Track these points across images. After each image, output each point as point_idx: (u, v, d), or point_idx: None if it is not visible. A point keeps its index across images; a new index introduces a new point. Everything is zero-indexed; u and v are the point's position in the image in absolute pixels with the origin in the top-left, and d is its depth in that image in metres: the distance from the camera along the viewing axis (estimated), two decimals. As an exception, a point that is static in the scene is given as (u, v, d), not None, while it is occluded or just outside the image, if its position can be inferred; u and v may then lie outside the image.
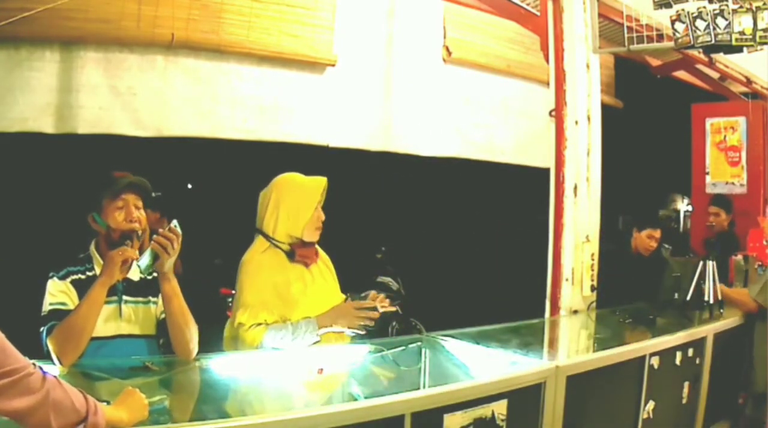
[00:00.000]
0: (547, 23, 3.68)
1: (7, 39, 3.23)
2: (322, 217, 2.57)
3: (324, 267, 2.66)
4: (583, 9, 3.65)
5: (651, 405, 2.78)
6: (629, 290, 3.97)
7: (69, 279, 2.17)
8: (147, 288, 2.30)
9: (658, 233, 4.29)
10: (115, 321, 2.21)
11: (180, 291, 2.21)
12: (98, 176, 2.29)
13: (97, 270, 2.20)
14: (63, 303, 2.13)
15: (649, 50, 4.26)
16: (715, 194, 5.40)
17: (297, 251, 2.54)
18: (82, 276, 2.20)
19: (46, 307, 2.12)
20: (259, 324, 2.45)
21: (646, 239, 4.26)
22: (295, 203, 2.52)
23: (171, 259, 2.15)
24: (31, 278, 2.29)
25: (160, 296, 2.26)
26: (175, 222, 2.17)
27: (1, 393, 1.34)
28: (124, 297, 2.24)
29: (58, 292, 2.15)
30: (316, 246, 2.64)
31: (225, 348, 2.58)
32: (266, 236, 2.55)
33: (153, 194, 2.31)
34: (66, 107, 3.43)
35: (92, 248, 2.26)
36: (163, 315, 2.27)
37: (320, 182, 2.56)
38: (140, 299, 2.28)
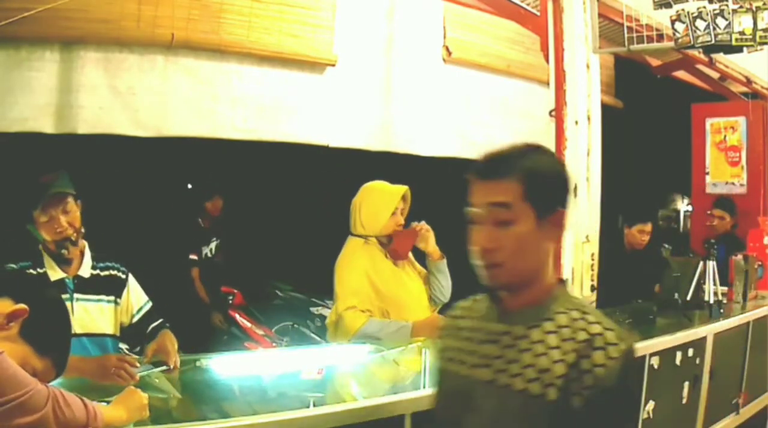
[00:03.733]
0: (547, 23, 3.68)
1: (7, 39, 3.22)
2: (400, 222, 2.84)
3: (411, 267, 2.92)
4: (583, 9, 3.64)
5: (651, 405, 2.78)
6: (627, 288, 3.98)
7: None
8: (98, 286, 2.32)
9: (648, 227, 4.30)
10: None
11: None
12: (26, 184, 2.28)
13: (47, 268, 2.23)
14: None
15: (649, 50, 4.26)
16: (719, 196, 5.38)
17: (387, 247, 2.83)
18: (33, 272, 2.21)
19: None
20: (367, 310, 2.64)
21: (637, 234, 4.28)
22: (373, 206, 2.80)
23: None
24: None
25: (122, 297, 2.33)
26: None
27: (10, 413, 1.35)
28: (76, 295, 2.25)
29: None
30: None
31: (329, 338, 2.79)
32: (356, 235, 2.81)
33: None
34: (66, 106, 3.42)
35: (41, 246, 2.27)
36: (134, 320, 2.33)
37: (399, 190, 2.84)
38: (92, 297, 2.29)
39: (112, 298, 2.33)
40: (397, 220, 2.83)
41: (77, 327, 2.21)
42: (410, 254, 2.97)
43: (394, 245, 2.83)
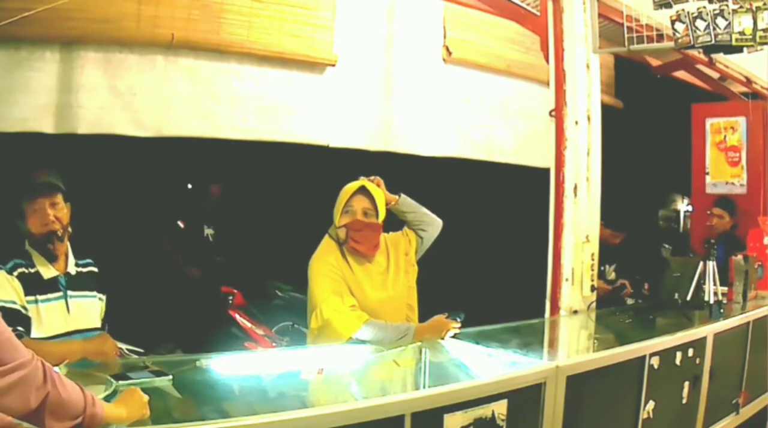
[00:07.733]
0: (547, 23, 3.68)
1: (7, 39, 3.23)
2: (357, 220, 2.67)
3: (382, 258, 2.78)
4: (583, 9, 3.65)
5: (651, 405, 2.78)
6: None
7: (16, 273, 2.18)
8: (84, 283, 2.34)
9: None
10: (64, 317, 2.23)
11: None
12: (18, 180, 2.28)
13: (37, 266, 2.22)
14: (13, 302, 2.13)
15: (649, 50, 4.26)
16: (719, 196, 5.38)
17: (347, 245, 2.69)
18: (26, 271, 2.21)
19: None
20: (354, 306, 2.55)
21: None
22: (335, 205, 2.73)
23: None
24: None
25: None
26: None
27: (22, 389, 1.34)
28: (69, 293, 2.27)
29: (8, 288, 2.15)
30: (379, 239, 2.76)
31: (309, 342, 2.66)
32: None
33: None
34: (66, 106, 3.43)
35: (27, 245, 2.27)
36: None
37: (352, 186, 2.72)
38: (85, 293, 2.32)
39: (94, 293, 2.36)
40: (353, 218, 2.66)
41: (74, 324, 2.24)
42: (385, 240, 2.81)
43: (349, 244, 2.67)
